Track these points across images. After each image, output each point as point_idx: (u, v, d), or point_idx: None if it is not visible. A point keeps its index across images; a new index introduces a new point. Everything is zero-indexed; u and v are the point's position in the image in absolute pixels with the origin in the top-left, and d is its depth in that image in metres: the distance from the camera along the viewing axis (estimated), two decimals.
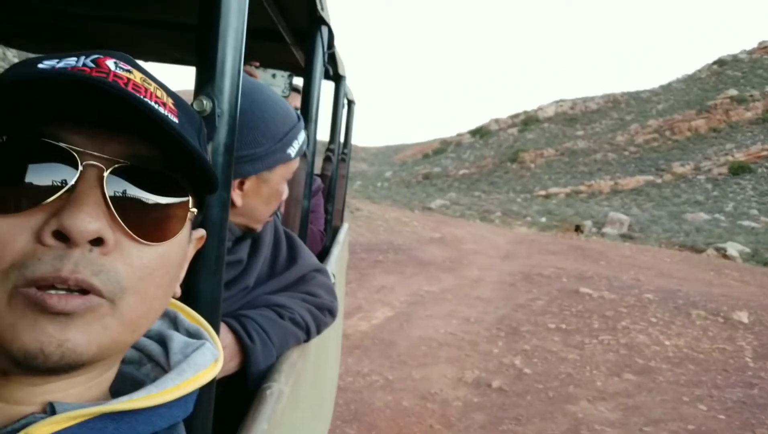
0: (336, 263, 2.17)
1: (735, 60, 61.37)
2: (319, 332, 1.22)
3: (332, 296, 1.29)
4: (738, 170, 39.78)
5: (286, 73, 2.08)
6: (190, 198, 0.48)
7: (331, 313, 1.28)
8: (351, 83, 3.05)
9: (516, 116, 69.42)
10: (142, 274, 0.44)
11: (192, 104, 0.71)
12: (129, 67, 0.46)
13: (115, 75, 0.44)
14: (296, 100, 2.10)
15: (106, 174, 0.42)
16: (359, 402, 4.15)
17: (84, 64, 0.44)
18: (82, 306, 0.40)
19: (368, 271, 8.78)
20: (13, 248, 0.40)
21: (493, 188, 45.46)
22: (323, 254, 2.24)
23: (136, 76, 0.45)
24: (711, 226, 23.63)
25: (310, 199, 1.64)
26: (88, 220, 0.40)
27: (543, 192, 40.55)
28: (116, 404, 0.44)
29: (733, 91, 52.27)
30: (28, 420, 0.42)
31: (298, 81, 2.28)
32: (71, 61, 0.44)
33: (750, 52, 61.55)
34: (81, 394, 0.45)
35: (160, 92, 0.46)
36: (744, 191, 36.32)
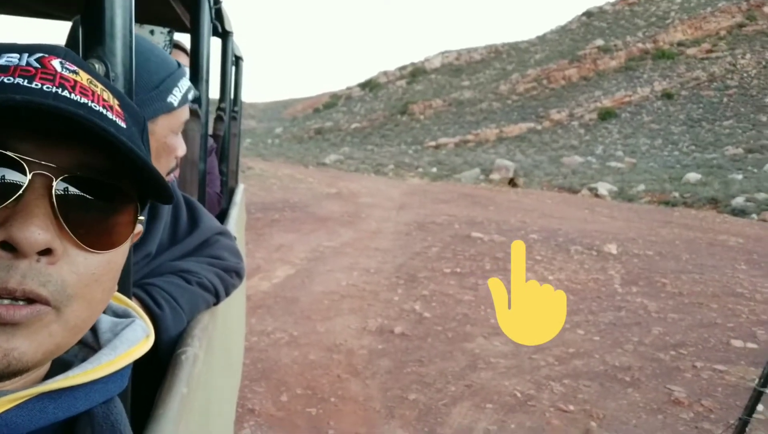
0: (235, 225, 2.14)
1: (601, 11, 65.54)
2: (227, 294, 1.22)
3: (238, 257, 1.29)
4: (605, 115, 43.17)
5: (165, 30, 1.96)
6: (137, 204, 0.48)
7: (238, 275, 1.28)
8: (237, 38, 2.93)
9: (404, 67, 69.99)
10: (88, 281, 0.44)
11: None
12: (75, 68, 0.45)
13: (62, 77, 0.43)
14: (180, 58, 2.00)
15: (54, 184, 0.41)
16: (266, 361, 4.18)
17: (28, 63, 0.42)
18: (29, 316, 0.40)
19: (265, 231, 8.67)
20: None
21: (385, 141, 45.96)
22: (221, 217, 2.19)
23: (83, 78, 0.44)
24: (584, 168, 25.63)
25: (206, 160, 1.59)
26: (38, 232, 0.39)
27: (433, 143, 41.64)
28: (54, 383, 0.45)
29: (599, 42, 56.03)
30: None
31: (180, 38, 2.16)
32: (13, 58, 0.43)
33: (614, 4, 65.98)
34: (18, 382, 0.45)
35: (106, 94, 0.46)
36: (611, 134, 39.58)
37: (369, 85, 68.40)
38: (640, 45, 54.04)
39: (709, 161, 25.98)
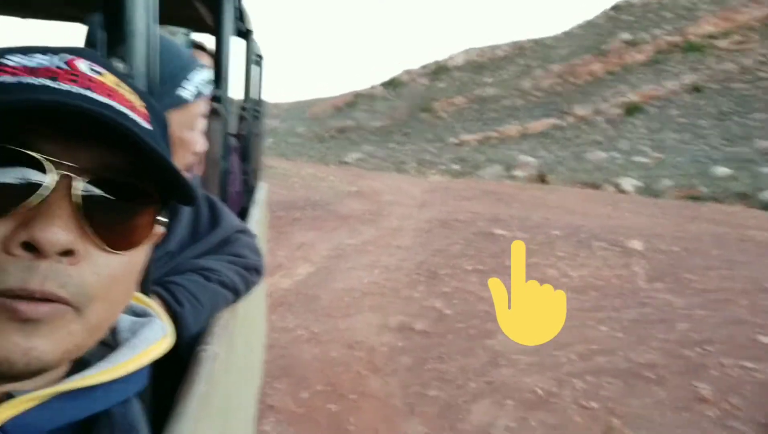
0: (256, 224, 2.16)
1: (628, 4, 64.36)
2: (248, 292, 1.23)
3: (258, 255, 1.30)
4: (632, 110, 42.41)
5: (185, 31, 1.99)
6: (158, 205, 0.48)
7: (258, 272, 1.29)
8: (258, 38, 2.96)
9: (427, 65, 69.74)
10: (109, 282, 0.44)
11: None
12: (101, 69, 0.45)
13: (88, 79, 0.43)
14: (203, 59, 2.03)
15: (77, 184, 0.41)
16: (287, 357, 4.22)
17: (56, 66, 0.43)
18: (50, 313, 0.40)
19: (287, 229, 8.73)
20: None
21: (407, 139, 45.85)
22: (242, 215, 2.22)
23: (109, 79, 0.45)
24: (608, 163, 25.25)
25: (227, 159, 1.62)
26: (60, 232, 0.39)
27: (455, 140, 41.42)
28: (73, 382, 0.44)
29: (626, 35, 55.07)
30: None
31: (199, 38, 2.19)
32: (42, 60, 0.43)
33: None
34: (38, 381, 0.45)
35: (131, 95, 0.46)
36: (637, 129, 38.87)
37: (392, 84, 68.32)
38: (668, 38, 52.96)
39: (738, 155, 25.35)
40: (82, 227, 0.41)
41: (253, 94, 2.94)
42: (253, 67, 2.92)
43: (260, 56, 3.47)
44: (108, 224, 0.43)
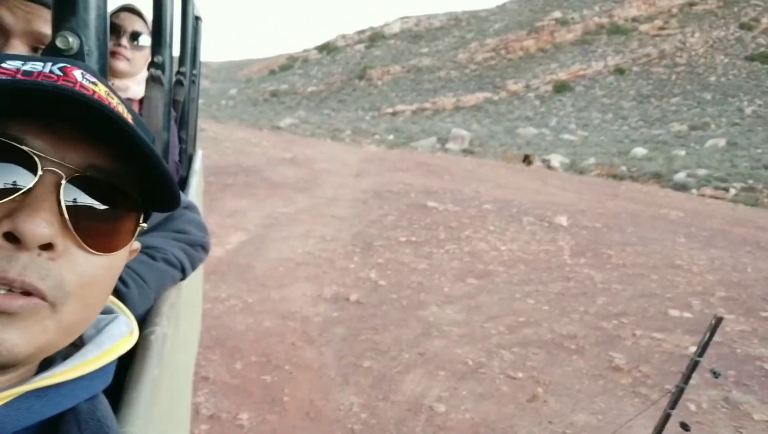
0: (195, 193, 2.09)
1: None
2: (194, 269, 1.21)
3: (203, 231, 1.27)
4: (560, 88, 43.91)
5: None
6: (141, 211, 0.48)
7: (204, 249, 1.26)
8: None
9: (363, 31, 68.98)
10: (85, 282, 0.44)
11: (54, 42, 0.64)
12: (95, 80, 0.46)
13: (82, 86, 0.44)
14: (134, 24, 1.88)
15: (63, 182, 0.42)
16: (220, 328, 4.16)
17: (51, 71, 0.44)
18: (26, 306, 0.40)
19: (218, 195, 8.51)
20: None
21: (342, 106, 45.43)
22: (181, 185, 2.14)
23: (101, 89, 0.46)
24: (539, 139, 26.12)
25: (170, 130, 1.54)
26: (43, 225, 0.40)
27: (390, 110, 41.44)
28: (40, 380, 0.45)
29: (557, 14, 56.54)
30: None
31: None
32: (37, 65, 0.44)
33: None
34: (3, 379, 0.45)
35: (121, 108, 0.47)
36: (565, 107, 40.34)
37: (327, 49, 67.12)
38: (596, 19, 54.83)
39: (655, 137, 26.90)
40: (65, 224, 0.42)
41: (190, 58, 2.80)
42: (191, 30, 2.78)
43: (198, 17, 3.30)
44: (90, 225, 0.44)
